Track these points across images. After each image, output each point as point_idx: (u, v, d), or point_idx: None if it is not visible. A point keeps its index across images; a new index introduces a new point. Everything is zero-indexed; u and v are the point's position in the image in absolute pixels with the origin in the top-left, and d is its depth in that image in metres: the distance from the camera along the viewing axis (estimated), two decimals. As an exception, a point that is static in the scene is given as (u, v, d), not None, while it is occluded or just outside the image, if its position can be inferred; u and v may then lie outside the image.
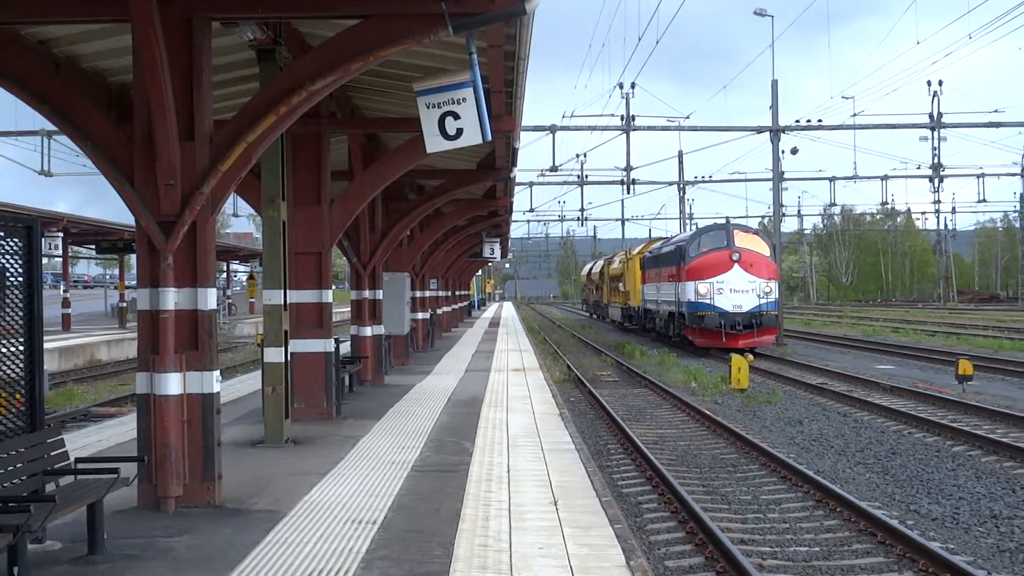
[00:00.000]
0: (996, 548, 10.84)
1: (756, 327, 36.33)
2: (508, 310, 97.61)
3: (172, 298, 9.37)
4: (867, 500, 12.82)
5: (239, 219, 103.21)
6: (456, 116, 10.16)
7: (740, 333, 36.22)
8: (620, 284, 59.41)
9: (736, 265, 36.90)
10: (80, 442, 13.67)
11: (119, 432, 14.55)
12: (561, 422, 15.70)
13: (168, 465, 9.28)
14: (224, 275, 73.96)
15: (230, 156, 9.37)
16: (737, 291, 36.72)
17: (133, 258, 53.00)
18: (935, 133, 57.11)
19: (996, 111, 59.66)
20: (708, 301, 36.69)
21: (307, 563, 7.56)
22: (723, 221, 42.97)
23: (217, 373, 9.70)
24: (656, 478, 13.99)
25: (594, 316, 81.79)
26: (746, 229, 41.29)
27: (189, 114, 9.44)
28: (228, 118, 9.91)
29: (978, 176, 74.57)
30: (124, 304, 52.39)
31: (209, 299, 9.60)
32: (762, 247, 38.83)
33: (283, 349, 13.41)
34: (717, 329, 36.19)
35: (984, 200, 77.42)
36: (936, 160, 59.02)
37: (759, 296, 36.74)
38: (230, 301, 69.86)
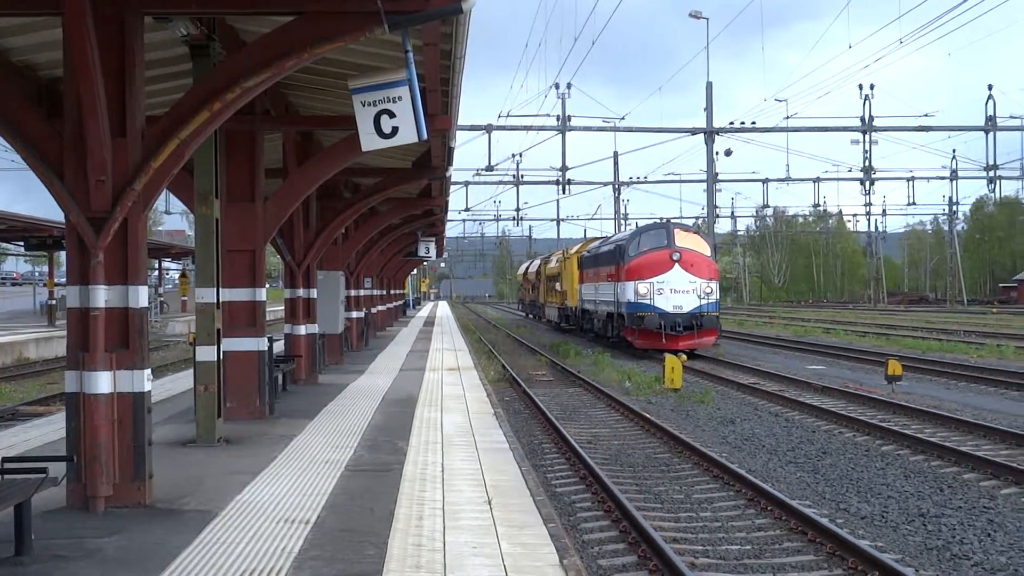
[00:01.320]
0: (924, 546, 11.00)
1: (697, 328, 35.70)
2: (443, 309, 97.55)
3: (103, 296, 9.25)
4: (798, 499, 12.96)
5: (172, 216, 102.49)
6: (391, 114, 10.14)
7: (680, 334, 35.57)
8: (557, 284, 58.91)
9: (676, 265, 36.32)
10: (7, 441, 13.47)
11: (48, 431, 14.34)
12: (496, 421, 15.71)
13: (98, 465, 9.16)
14: (156, 273, 73.19)
15: (162, 153, 9.27)
16: (677, 291, 36.15)
17: (63, 255, 52.37)
18: (866, 136, 57.94)
19: (926, 115, 60.49)
20: (648, 301, 36.07)
21: (239, 563, 7.51)
22: (662, 220, 42.34)
23: (148, 372, 9.60)
24: (590, 477, 14.04)
25: (530, 316, 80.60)
26: (686, 228, 40.69)
27: (121, 110, 9.32)
28: (161, 114, 9.81)
29: (908, 179, 75.78)
30: (53, 302, 51.60)
31: (140, 297, 9.49)
32: (702, 247, 38.35)
33: (215, 347, 13.29)
34: (657, 330, 35.44)
35: (914, 203, 78.85)
36: (867, 163, 59.88)
37: (700, 297, 36.15)
38: (162, 299, 69.13)
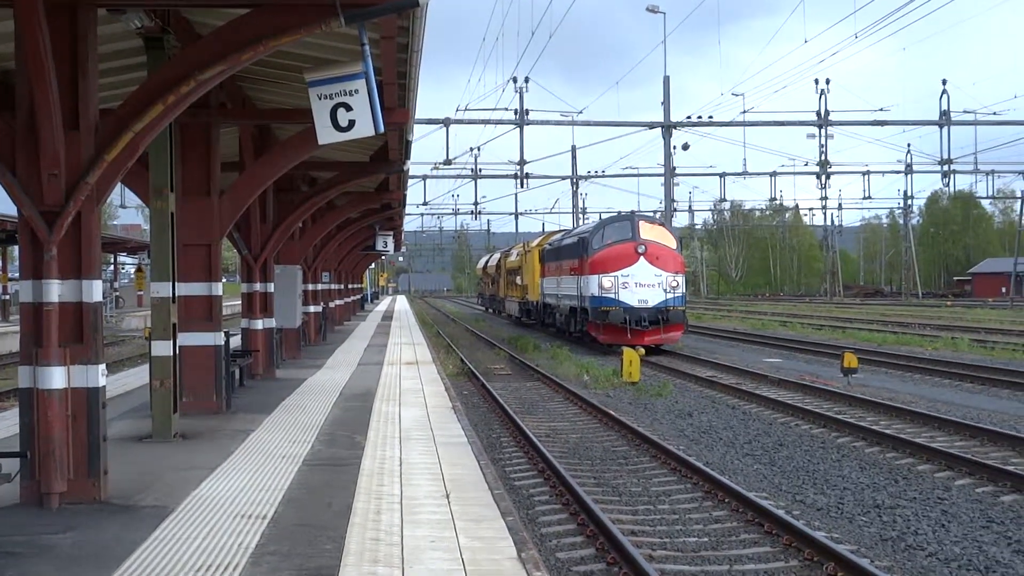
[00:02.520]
0: (879, 537, 11.09)
1: (663, 323, 34.57)
2: (402, 304, 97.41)
3: (56, 290, 9.17)
4: (755, 491, 13.03)
5: (127, 210, 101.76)
6: (348, 107, 10.10)
7: (646, 329, 34.39)
8: (518, 278, 57.72)
9: (642, 258, 35.11)
10: (-40, 438, 13.32)
11: (1, 427, 14.20)
12: (454, 415, 15.71)
13: (52, 461, 9.08)
14: (111, 267, 72.59)
15: (116, 146, 9.20)
16: (643, 285, 34.92)
17: (16, 249, 51.86)
18: (822, 131, 58.29)
19: (881, 110, 61.12)
20: (612, 296, 34.92)
21: (195, 559, 7.46)
22: (626, 212, 41.59)
23: (103, 367, 9.52)
24: (548, 471, 14.05)
25: (490, 311, 79.08)
26: (651, 220, 39.33)
27: (74, 103, 9.23)
28: (115, 107, 9.72)
29: (864, 173, 76.45)
30: (7, 296, 51.14)
31: (94, 291, 9.41)
32: (668, 239, 37.02)
33: (171, 342, 13.20)
34: (622, 325, 34.23)
35: (869, 197, 79.52)
36: (823, 157, 60.26)
37: (666, 290, 34.96)
38: (118, 294, 68.51)
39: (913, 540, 10.90)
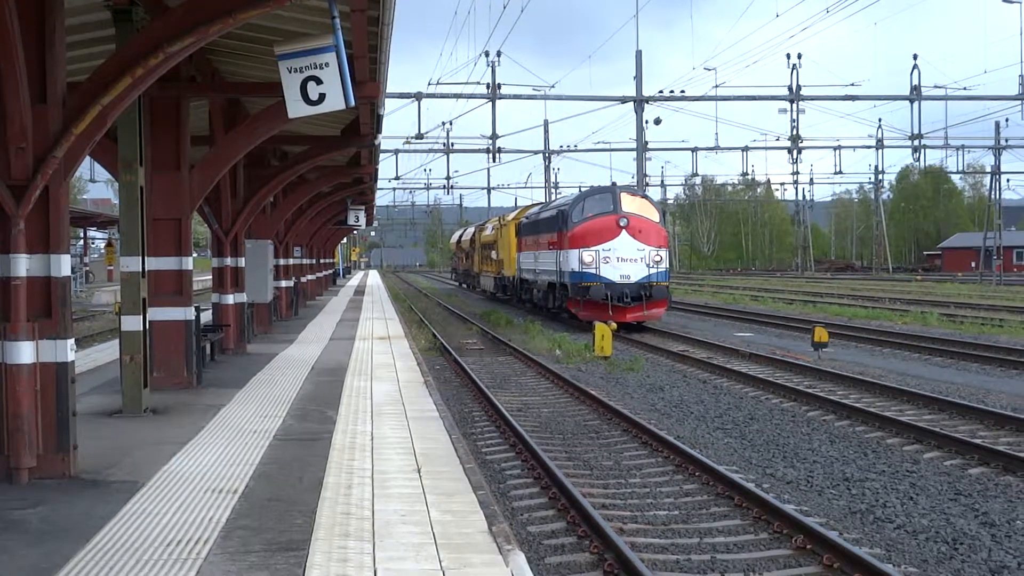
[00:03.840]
0: (848, 510, 11.18)
1: (646, 299, 33.38)
2: (374, 278, 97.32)
3: (24, 265, 9.10)
4: (725, 464, 13.10)
5: (97, 185, 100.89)
6: (319, 81, 10.08)
7: (628, 306, 33.26)
8: (493, 252, 56.20)
9: (624, 231, 33.78)
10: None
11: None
12: (426, 390, 15.72)
13: (21, 435, 9.03)
14: (81, 242, 72.17)
15: (84, 119, 9.12)
16: (625, 260, 33.64)
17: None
18: (794, 105, 58.39)
19: (853, 84, 61.48)
20: (593, 271, 33.59)
21: (165, 533, 7.44)
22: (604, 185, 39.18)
23: (71, 341, 9.48)
24: (520, 444, 14.08)
25: (464, 286, 77.58)
26: (633, 192, 37.97)
27: (41, 76, 9.16)
28: (83, 80, 9.64)
29: (835, 148, 76.80)
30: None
31: (63, 266, 9.36)
32: (651, 212, 35.65)
33: (141, 317, 13.14)
34: (603, 301, 32.96)
35: (840, 172, 79.91)
36: (795, 132, 60.38)
37: (648, 265, 33.63)
38: (87, 268, 68.21)
39: (882, 512, 10.99)
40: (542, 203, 52.33)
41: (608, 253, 33.77)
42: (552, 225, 37.83)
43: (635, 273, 33.66)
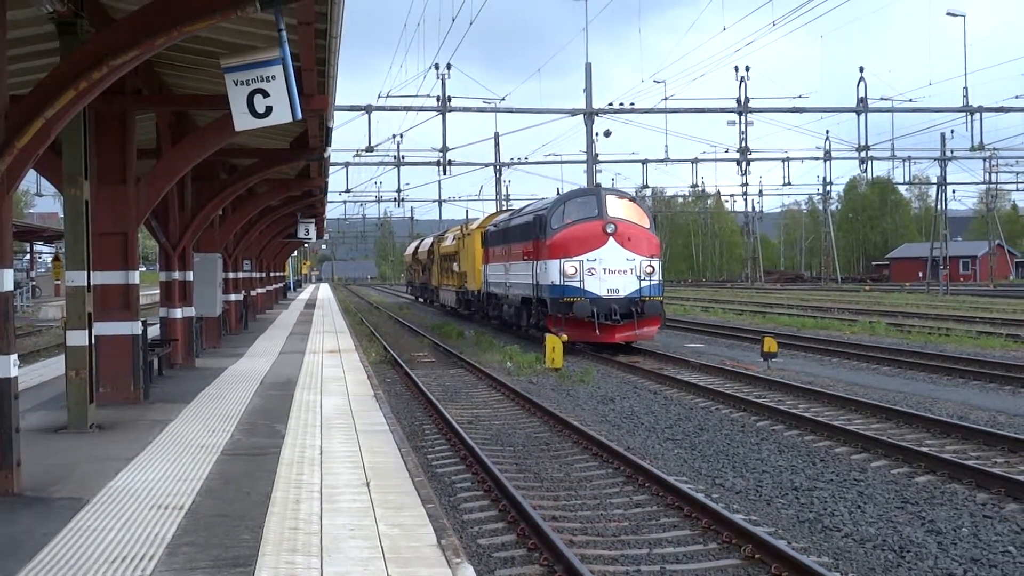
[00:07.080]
0: (796, 519, 11.24)
1: (637, 316, 29.17)
2: (325, 292, 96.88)
3: (-35, 279, 8.99)
4: (675, 475, 13.14)
5: (44, 199, 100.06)
6: (265, 94, 10.04)
7: (617, 324, 29.16)
8: (455, 264, 51.70)
9: (611, 239, 29.68)
10: None
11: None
12: (376, 403, 15.66)
13: (-38, 453, 8.91)
14: (28, 256, 71.40)
15: (27, 132, 9.02)
16: (613, 271, 29.56)
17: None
18: (742, 118, 58.66)
19: (800, 96, 61.59)
20: (577, 284, 29.44)
21: (110, 550, 7.36)
22: (585, 189, 36.58)
23: (15, 357, 9.35)
24: (470, 457, 14.06)
25: (421, 300, 73.61)
26: (620, 194, 33.22)
27: (-17, 88, 9.06)
28: (26, 93, 9.55)
29: (783, 160, 77.18)
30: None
31: (5, 280, 9.23)
32: (641, 217, 31.36)
33: (87, 332, 13.00)
34: (589, 319, 28.87)
35: (789, 183, 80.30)
36: (743, 144, 60.64)
37: (639, 277, 29.65)
38: (34, 283, 67.46)
39: (830, 521, 11.06)
40: (512, 210, 47.96)
41: (593, 264, 29.64)
42: (527, 233, 33.76)
43: (624, 286, 29.64)
